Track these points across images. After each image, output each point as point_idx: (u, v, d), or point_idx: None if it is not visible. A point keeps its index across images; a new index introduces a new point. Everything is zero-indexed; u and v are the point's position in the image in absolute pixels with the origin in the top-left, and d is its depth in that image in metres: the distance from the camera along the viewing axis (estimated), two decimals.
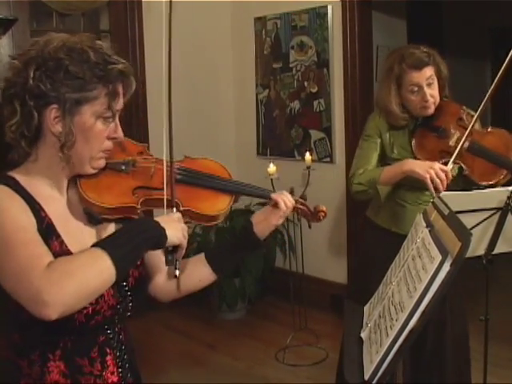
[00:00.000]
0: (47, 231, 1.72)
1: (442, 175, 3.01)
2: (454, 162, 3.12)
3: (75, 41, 1.74)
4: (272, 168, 4.66)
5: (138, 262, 1.91)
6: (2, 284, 1.61)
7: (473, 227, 2.79)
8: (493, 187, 3.14)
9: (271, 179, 4.58)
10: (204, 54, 6.13)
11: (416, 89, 3.23)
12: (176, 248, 1.77)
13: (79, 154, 1.76)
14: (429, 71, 3.23)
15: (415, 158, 3.25)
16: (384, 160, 3.40)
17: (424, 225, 2.06)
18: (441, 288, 1.70)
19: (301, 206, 2.15)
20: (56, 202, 1.81)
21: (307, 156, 5.02)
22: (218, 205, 1.95)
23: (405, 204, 3.41)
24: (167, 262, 1.80)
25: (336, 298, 5.42)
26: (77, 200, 1.84)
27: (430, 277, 1.73)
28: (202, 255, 2.09)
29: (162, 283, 2.08)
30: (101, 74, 1.72)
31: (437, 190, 3.00)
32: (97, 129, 1.76)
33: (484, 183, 3.13)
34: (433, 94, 3.24)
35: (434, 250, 1.81)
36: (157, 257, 2.02)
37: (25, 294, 1.53)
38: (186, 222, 1.85)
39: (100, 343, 1.84)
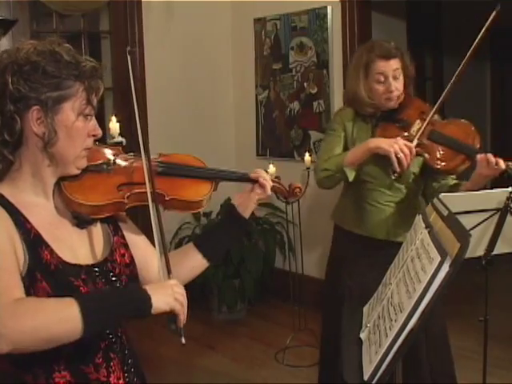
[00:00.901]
0: (35, 242, 1.72)
1: (406, 150, 3.07)
2: (416, 153, 3.17)
3: (44, 44, 1.77)
4: (271, 169, 4.66)
5: (128, 261, 1.94)
6: None
7: (472, 228, 2.79)
8: (452, 173, 3.26)
9: None
10: (204, 54, 6.12)
11: (382, 79, 3.28)
12: (174, 316, 1.71)
13: (63, 152, 1.78)
14: (395, 64, 3.29)
15: None
16: None
17: (423, 226, 2.06)
18: (440, 289, 1.71)
19: (277, 184, 2.22)
20: (42, 210, 1.81)
21: (307, 157, 5.02)
22: (201, 191, 2.03)
23: (367, 206, 3.43)
24: (171, 331, 1.73)
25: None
26: (63, 207, 1.85)
27: (429, 278, 1.73)
28: (191, 244, 2.12)
29: (154, 278, 2.00)
30: (75, 73, 1.75)
31: (400, 165, 3.07)
32: (78, 126, 1.78)
33: (442, 168, 3.20)
34: (398, 87, 3.30)
35: (433, 250, 1.82)
36: (146, 252, 2.04)
37: None
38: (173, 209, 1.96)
39: (103, 349, 1.84)
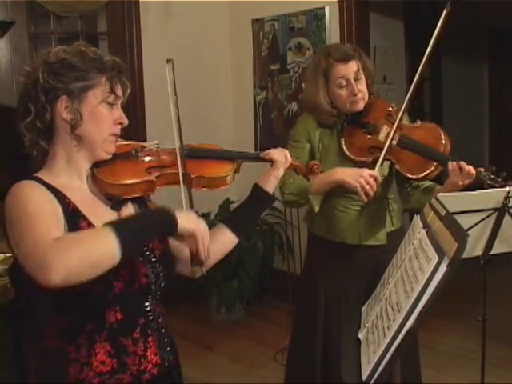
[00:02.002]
0: (73, 214, 1.90)
1: (372, 181, 2.99)
2: (385, 159, 3.10)
3: (72, 46, 2.00)
4: None
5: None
6: (17, 257, 1.79)
7: (470, 228, 2.78)
8: (423, 180, 3.15)
9: None
10: (202, 55, 6.13)
11: (344, 83, 3.17)
12: (195, 244, 1.93)
13: (90, 135, 1.97)
14: (355, 65, 3.18)
15: (345, 156, 3.22)
16: None
17: (421, 226, 2.06)
18: (438, 289, 1.71)
19: (296, 163, 2.41)
20: (78, 191, 1.99)
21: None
22: (223, 169, 2.21)
23: (336, 211, 3.35)
24: (192, 261, 1.99)
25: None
26: (97, 191, 2.03)
27: (426, 277, 1.73)
28: (220, 223, 2.27)
29: (187, 258, 2.15)
30: (98, 66, 1.96)
31: (367, 195, 3.01)
32: (102, 111, 1.97)
33: (414, 176, 3.09)
34: (361, 88, 3.20)
35: (430, 250, 1.82)
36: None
37: (33, 260, 1.68)
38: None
39: (141, 325, 1.98)
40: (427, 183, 3.24)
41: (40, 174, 1.96)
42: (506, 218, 2.83)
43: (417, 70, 3.16)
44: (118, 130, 2.03)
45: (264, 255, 5.78)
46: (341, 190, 3.22)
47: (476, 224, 2.82)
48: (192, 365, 4.77)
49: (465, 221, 2.50)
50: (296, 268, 5.35)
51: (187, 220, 1.91)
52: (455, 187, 2.97)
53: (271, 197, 2.29)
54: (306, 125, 3.34)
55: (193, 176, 2.13)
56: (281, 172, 2.30)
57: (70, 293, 1.76)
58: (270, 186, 2.28)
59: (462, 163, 2.94)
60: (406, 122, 3.25)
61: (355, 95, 3.17)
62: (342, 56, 3.17)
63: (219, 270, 5.43)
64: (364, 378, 1.80)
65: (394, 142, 3.10)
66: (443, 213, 1.96)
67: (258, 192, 2.28)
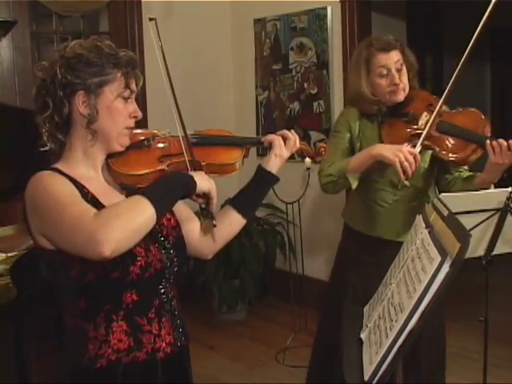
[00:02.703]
0: (93, 202, 1.97)
1: (411, 158, 2.97)
2: (425, 147, 3.12)
3: (88, 41, 2.05)
4: None
5: (174, 224, 2.20)
6: (57, 244, 1.89)
7: (472, 228, 2.78)
8: (463, 164, 3.17)
9: None
10: (204, 55, 6.13)
11: (385, 72, 3.20)
12: (208, 200, 2.03)
13: (106, 129, 2.04)
14: (396, 55, 3.21)
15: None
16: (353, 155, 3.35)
17: (423, 226, 2.06)
18: (440, 289, 1.71)
19: (304, 146, 2.42)
20: (94, 181, 2.07)
21: (307, 157, 5.00)
22: (232, 155, 2.26)
23: (375, 206, 3.37)
24: (203, 216, 2.08)
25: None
26: (112, 181, 2.12)
27: (429, 278, 1.73)
28: (227, 205, 2.31)
29: (198, 241, 2.30)
30: (114, 61, 2.02)
31: (405, 173, 2.99)
32: (118, 106, 2.04)
33: (454, 158, 3.10)
34: (402, 79, 3.22)
35: (433, 250, 1.82)
36: (186, 215, 2.28)
37: (79, 239, 1.78)
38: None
39: (156, 306, 2.08)
40: (467, 172, 3.27)
41: (58, 165, 2.04)
42: (509, 218, 2.84)
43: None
44: (132, 123, 2.11)
45: (266, 255, 5.77)
46: (379, 183, 3.30)
47: (478, 224, 2.82)
48: (193, 364, 4.74)
49: (467, 221, 2.49)
50: (298, 268, 5.35)
51: (202, 180, 2.01)
52: (497, 169, 3.01)
53: (274, 176, 2.31)
54: (348, 116, 3.38)
55: (203, 163, 2.19)
56: (284, 152, 2.31)
57: (91, 278, 1.93)
58: (272, 165, 2.30)
59: (501, 140, 2.96)
60: (446, 109, 3.27)
61: (395, 85, 3.20)
62: (383, 45, 3.20)
63: (221, 270, 5.43)
64: (366, 378, 1.80)
65: (434, 129, 3.13)
66: (445, 213, 1.96)
67: (261, 172, 2.31)
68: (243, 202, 2.31)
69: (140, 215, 1.82)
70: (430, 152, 3.24)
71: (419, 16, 7.08)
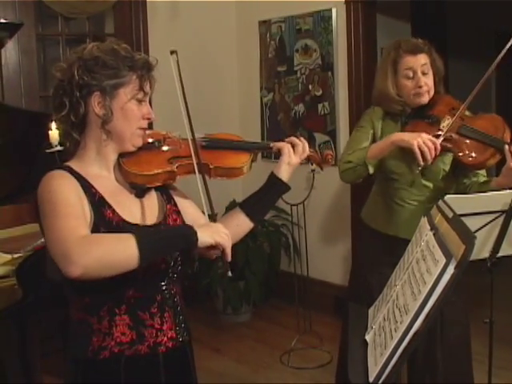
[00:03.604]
0: (99, 202, 2.06)
1: (430, 143, 3.02)
2: (445, 148, 3.14)
3: (105, 43, 2.13)
4: None
5: (179, 222, 2.24)
6: (45, 242, 1.97)
7: (477, 230, 2.78)
8: (481, 167, 3.21)
9: None
10: (208, 57, 6.13)
11: (411, 74, 3.25)
12: (221, 252, 2.00)
13: (120, 130, 2.10)
14: (424, 59, 3.26)
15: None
16: None
17: (428, 228, 2.06)
18: (445, 291, 1.70)
19: (311, 153, 2.43)
20: (105, 180, 2.14)
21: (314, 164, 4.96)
22: (240, 159, 2.31)
23: (394, 205, 3.40)
24: (219, 268, 2.01)
25: (340, 300, 5.41)
26: (122, 179, 2.17)
27: (434, 279, 1.73)
28: (237, 207, 2.37)
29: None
30: (130, 64, 2.08)
31: (424, 159, 3.02)
32: (132, 107, 2.10)
33: (471, 162, 3.14)
34: (427, 82, 3.26)
35: (438, 252, 1.81)
36: (194, 215, 2.32)
37: (59, 252, 1.85)
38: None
39: (158, 301, 2.14)
40: (484, 177, 3.30)
41: (71, 163, 2.12)
42: None
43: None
44: (145, 124, 2.16)
45: (270, 257, 5.77)
46: (399, 182, 3.33)
47: (483, 226, 2.82)
48: (198, 366, 4.74)
49: (472, 223, 2.49)
50: (302, 270, 5.35)
51: (207, 234, 1.97)
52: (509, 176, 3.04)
53: (284, 184, 2.35)
54: (372, 115, 3.43)
55: (211, 166, 2.24)
56: (294, 159, 2.35)
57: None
58: (283, 172, 2.34)
59: None
60: (468, 114, 3.31)
61: (420, 87, 3.24)
62: (411, 48, 3.25)
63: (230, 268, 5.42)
64: (371, 379, 1.80)
65: (455, 132, 3.16)
66: (450, 215, 1.96)
67: (272, 178, 2.35)
68: (252, 206, 2.34)
69: (121, 253, 1.86)
70: (450, 155, 3.27)
71: (424, 17, 7.06)
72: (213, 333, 5.52)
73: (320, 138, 5.71)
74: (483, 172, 3.34)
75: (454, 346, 3.46)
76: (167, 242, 1.97)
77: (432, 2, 7.13)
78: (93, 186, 2.08)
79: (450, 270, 1.70)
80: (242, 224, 2.32)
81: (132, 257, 1.85)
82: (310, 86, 5.75)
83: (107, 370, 2.09)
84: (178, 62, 2.23)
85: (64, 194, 1.98)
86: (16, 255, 3.43)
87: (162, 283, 2.15)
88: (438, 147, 3.05)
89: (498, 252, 2.93)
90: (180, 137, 2.31)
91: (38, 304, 3.46)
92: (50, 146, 3.60)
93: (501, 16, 7.28)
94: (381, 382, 1.77)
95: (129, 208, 2.15)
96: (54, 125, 3.59)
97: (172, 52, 2.26)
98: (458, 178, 3.38)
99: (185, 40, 5.83)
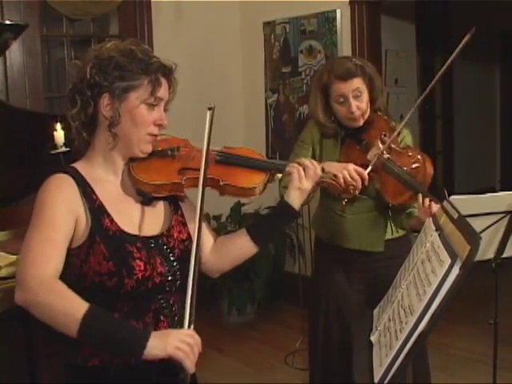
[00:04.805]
0: (98, 210, 2.01)
1: (356, 175, 2.76)
2: (371, 178, 2.96)
3: (125, 43, 2.08)
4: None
5: (185, 237, 2.17)
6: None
7: (482, 231, 2.78)
8: (401, 206, 3.13)
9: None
10: (213, 58, 6.13)
11: (342, 99, 3.15)
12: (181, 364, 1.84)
13: (127, 134, 2.06)
14: (356, 83, 3.14)
15: None
16: None
17: (433, 228, 2.06)
18: (450, 291, 1.70)
19: (328, 179, 2.36)
20: (110, 186, 2.10)
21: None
22: (254, 179, 2.21)
23: (336, 216, 3.35)
24: (179, 380, 1.86)
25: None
26: (130, 185, 2.12)
27: (439, 280, 1.73)
28: (243, 229, 2.26)
29: (207, 257, 2.28)
30: (143, 67, 2.02)
31: (347, 190, 2.91)
32: (141, 112, 2.05)
33: (391, 201, 3.09)
34: (359, 106, 3.15)
35: (443, 253, 1.81)
36: (203, 233, 2.21)
37: (21, 268, 1.88)
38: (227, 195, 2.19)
39: (154, 310, 2.05)
40: (410, 209, 3.19)
41: (78, 165, 2.10)
42: None
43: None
44: (156, 130, 2.10)
45: (275, 258, 5.76)
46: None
47: (488, 227, 2.83)
48: (203, 367, 4.72)
49: (477, 224, 2.49)
50: (307, 270, 5.34)
51: (159, 347, 1.83)
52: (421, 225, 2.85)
53: (293, 210, 2.22)
54: (312, 130, 3.36)
55: (221, 183, 2.16)
56: (304, 184, 2.22)
57: (88, 283, 1.97)
58: (292, 198, 2.22)
59: (432, 204, 2.85)
60: (407, 140, 3.27)
61: (352, 113, 3.15)
62: (342, 74, 3.13)
63: (230, 272, 5.41)
64: (376, 380, 1.80)
65: (380, 165, 3.05)
66: (456, 215, 1.95)
67: (281, 204, 2.25)
68: (259, 231, 2.25)
69: (62, 317, 1.83)
70: None
71: (428, 17, 7.08)
72: (217, 334, 5.52)
73: None
74: None
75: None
76: (110, 342, 1.86)
77: (436, 2, 7.14)
78: (94, 193, 2.04)
79: (455, 271, 1.70)
80: (244, 248, 2.23)
81: (71, 328, 1.82)
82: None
83: (97, 378, 2.03)
84: (212, 118, 2.12)
85: (53, 212, 1.94)
86: None
87: (159, 296, 2.08)
88: (366, 178, 2.80)
89: (502, 253, 2.95)
90: (195, 147, 2.23)
91: None
92: (55, 146, 3.60)
93: (505, 16, 7.29)
94: (386, 382, 1.77)
95: (130, 217, 2.09)
96: (58, 126, 3.59)
97: (210, 108, 2.13)
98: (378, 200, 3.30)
99: (189, 41, 5.84)
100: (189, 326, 1.89)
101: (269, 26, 6.11)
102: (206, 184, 2.06)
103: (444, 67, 2.96)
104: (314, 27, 5.68)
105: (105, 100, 2.03)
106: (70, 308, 1.83)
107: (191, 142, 2.26)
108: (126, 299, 2.00)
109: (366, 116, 3.21)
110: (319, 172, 2.27)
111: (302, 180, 2.22)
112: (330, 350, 3.43)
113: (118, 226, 2.03)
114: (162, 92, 2.08)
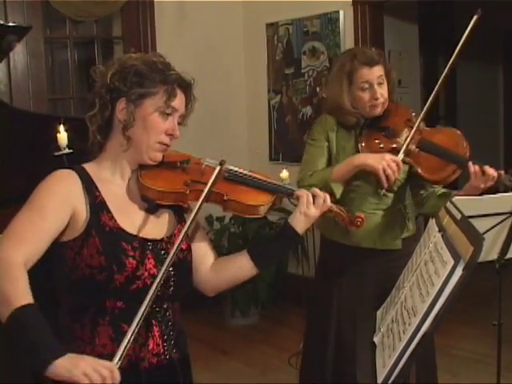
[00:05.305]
0: (98, 206, 2.03)
1: (394, 166, 2.99)
2: (405, 163, 3.11)
3: (149, 55, 2.18)
4: (284, 174, 4.63)
5: (184, 247, 2.14)
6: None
7: (485, 232, 2.77)
8: (443, 183, 3.16)
9: None
10: (216, 59, 6.13)
11: (367, 86, 3.19)
12: None
13: (138, 139, 2.09)
14: (379, 70, 3.21)
15: None
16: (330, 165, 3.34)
17: (436, 229, 2.05)
18: (453, 292, 1.69)
19: (335, 209, 2.31)
20: (116, 188, 2.12)
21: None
22: (259, 199, 2.21)
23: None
24: None
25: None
26: (136, 191, 2.14)
27: (442, 281, 1.72)
28: (244, 250, 2.26)
29: (205, 275, 2.26)
30: (161, 77, 2.08)
31: (388, 180, 3.01)
32: (154, 119, 2.08)
33: (434, 179, 3.12)
34: (383, 93, 3.21)
35: (446, 254, 1.80)
36: (202, 248, 2.27)
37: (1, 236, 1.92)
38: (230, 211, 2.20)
39: (145, 315, 1.95)
40: (442, 189, 3.25)
41: (87, 165, 2.13)
42: None
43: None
44: (167, 140, 2.12)
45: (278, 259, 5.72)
46: (357, 193, 3.27)
47: (492, 228, 2.81)
48: (206, 369, 4.76)
49: (480, 224, 2.47)
50: (310, 272, 5.33)
51: (66, 368, 1.72)
52: (475, 190, 2.99)
53: (296, 234, 2.21)
54: (325, 125, 3.35)
55: (225, 197, 2.17)
56: (312, 211, 2.21)
57: (78, 275, 1.98)
58: (297, 222, 2.21)
59: (485, 166, 2.96)
60: (424, 127, 3.27)
61: (376, 99, 3.19)
62: (367, 60, 3.19)
63: None
64: (379, 381, 1.80)
65: (414, 146, 3.13)
66: (459, 216, 1.94)
67: (285, 227, 2.24)
68: (259, 251, 2.27)
69: None
70: (406, 165, 3.23)
71: (431, 18, 7.06)
72: (220, 335, 5.52)
73: None
74: None
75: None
76: (25, 341, 1.76)
77: (439, 2, 7.13)
78: (98, 190, 2.06)
79: (459, 272, 1.69)
80: (244, 267, 2.23)
81: (1, 316, 1.77)
82: (318, 89, 5.75)
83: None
84: (220, 173, 2.08)
85: (46, 200, 1.97)
86: None
87: None
88: (401, 167, 3.03)
89: (506, 254, 2.94)
90: (207, 164, 2.23)
91: (44, 305, 3.42)
92: (58, 148, 3.60)
93: (508, 16, 7.28)
94: (389, 383, 1.76)
95: (131, 218, 2.10)
96: (62, 127, 3.60)
97: (222, 163, 2.08)
98: (414, 189, 3.36)
99: (192, 42, 5.85)
100: (117, 362, 1.79)
101: (272, 27, 6.11)
102: (209, 197, 2.09)
103: (453, 57, 3.01)
104: (317, 28, 5.69)
105: (121, 104, 2.06)
106: (12, 294, 1.79)
107: (206, 160, 2.26)
108: (116, 297, 2.00)
109: (386, 105, 3.25)
110: (328, 203, 2.26)
111: (309, 206, 2.21)
112: (342, 353, 3.38)
113: (117, 224, 2.04)
114: (177, 103, 2.11)
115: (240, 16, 6.35)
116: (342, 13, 5.47)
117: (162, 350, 2.08)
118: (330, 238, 3.46)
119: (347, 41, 5.48)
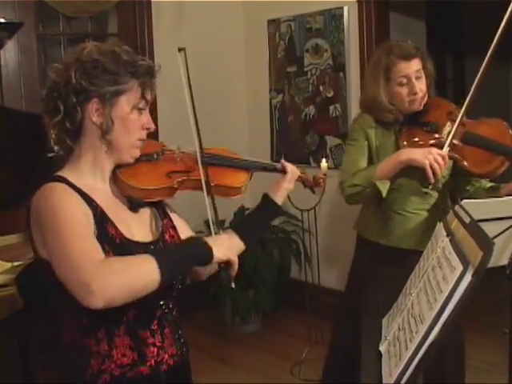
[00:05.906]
0: (101, 217, 1.98)
1: (440, 160, 3.00)
2: (450, 158, 3.10)
3: (106, 45, 2.04)
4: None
5: (177, 241, 2.19)
6: (53, 265, 1.86)
7: (495, 236, 2.69)
8: (489, 176, 3.18)
9: None
10: (216, 57, 6.11)
11: (405, 81, 3.19)
12: (228, 265, 2.01)
13: (119, 141, 2.03)
14: (416, 64, 3.20)
15: None
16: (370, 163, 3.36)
17: (444, 234, 2.03)
18: (462, 299, 1.66)
19: (303, 175, 2.46)
20: (101, 193, 2.06)
21: (323, 163, 4.81)
22: (239, 179, 2.29)
23: (393, 215, 3.34)
24: (220, 278, 2.04)
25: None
26: (117, 192, 2.10)
27: (450, 287, 1.68)
28: (229, 229, 2.35)
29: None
30: (132, 70, 2.00)
31: (435, 175, 3.00)
32: (133, 118, 2.03)
33: (481, 172, 3.11)
34: (421, 87, 3.21)
35: (454, 259, 1.77)
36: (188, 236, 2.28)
37: (75, 280, 1.79)
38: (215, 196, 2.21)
39: (158, 317, 2.08)
40: (489, 183, 3.27)
41: (65, 174, 2.02)
42: None
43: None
44: (144, 135, 2.09)
45: (280, 264, 5.73)
46: (401, 191, 3.29)
47: (502, 232, 2.74)
48: (206, 377, 4.68)
49: (490, 228, 2.42)
50: (313, 278, 5.25)
51: (221, 250, 1.97)
52: None
53: (279, 207, 2.36)
54: (363, 124, 3.36)
55: (212, 184, 2.19)
56: (291, 185, 2.38)
57: None
58: (279, 196, 2.36)
59: None
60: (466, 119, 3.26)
61: (415, 94, 3.19)
62: (404, 54, 3.18)
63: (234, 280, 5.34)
64: None
65: (458, 139, 3.12)
66: (467, 220, 1.91)
67: (265, 201, 2.36)
68: (244, 228, 2.37)
69: (142, 279, 1.84)
70: (450, 160, 3.21)
71: (439, 15, 6.99)
72: (221, 343, 5.48)
73: (332, 141, 5.65)
74: None
75: (451, 351, 3.40)
76: (185, 262, 1.97)
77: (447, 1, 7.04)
78: (93, 199, 2.00)
79: (468, 278, 1.65)
80: None
81: (153, 281, 1.84)
82: (321, 88, 5.69)
83: None
84: (186, 60, 2.16)
85: (72, 212, 1.90)
86: (16, 263, 3.40)
87: (161, 302, 2.10)
88: (448, 160, 3.05)
89: None
90: (179, 149, 2.27)
91: (39, 314, 3.40)
92: (52, 149, 3.56)
93: None
94: None
95: (128, 224, 2.08)
96: None
97: (180, 49, 2.17)
98: (460, 183, 3.36)
99: (191, 40, 5.76)
100: (220, 229, 2.13)
101: (273, 23, 6.05)
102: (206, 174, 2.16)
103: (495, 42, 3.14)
104: (321, 25, 5.61)
105: (94, 105, 1.98)
106: (140, 267, 1.85)
107: (169, 146, 2.30)
108: (129, 306, 1.94)
109: (425, 99, 3.25)
110: (298, 172, 2.41)
111: (290, 182, 2.39)
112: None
113: (122, 234, 2.02)
114: (150, 94, 2.08)
115: (240, 12, 6.32)
116: (346, 9, 5.40)
117: (175, 351, 2.12)
118: (368, 239, 3.45)
119: (352, 38, 5.42)
